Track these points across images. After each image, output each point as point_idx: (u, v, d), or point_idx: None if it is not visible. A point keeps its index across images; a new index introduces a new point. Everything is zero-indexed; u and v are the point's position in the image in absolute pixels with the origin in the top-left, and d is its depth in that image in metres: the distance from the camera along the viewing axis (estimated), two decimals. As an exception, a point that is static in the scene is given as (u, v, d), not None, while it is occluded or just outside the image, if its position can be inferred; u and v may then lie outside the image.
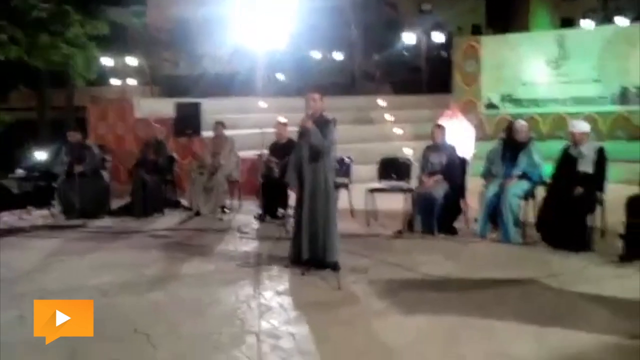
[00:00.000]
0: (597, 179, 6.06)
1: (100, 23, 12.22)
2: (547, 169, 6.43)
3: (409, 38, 23.53)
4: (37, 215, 8.30)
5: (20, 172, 8.70)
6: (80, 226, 7.65)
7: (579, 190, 5.92)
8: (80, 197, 8.00)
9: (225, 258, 6.03)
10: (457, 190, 6.86)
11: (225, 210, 8.34)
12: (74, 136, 8.51)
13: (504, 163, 6.54)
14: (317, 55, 27.23)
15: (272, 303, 4.62)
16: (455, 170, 6.89)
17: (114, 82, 27.27)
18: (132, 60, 25.66)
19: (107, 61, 21.58)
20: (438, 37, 23.25)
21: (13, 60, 10.56)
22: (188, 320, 4.31)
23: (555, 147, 6.80)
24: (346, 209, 7.55)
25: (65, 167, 8.23)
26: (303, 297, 4.77)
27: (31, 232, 7.43)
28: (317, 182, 5.36)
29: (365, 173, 8.56)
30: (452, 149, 7.06)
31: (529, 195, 6.45)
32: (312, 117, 5.41)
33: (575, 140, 6.27)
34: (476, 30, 32.32)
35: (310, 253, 5.39)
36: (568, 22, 29.37)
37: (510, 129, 6.76)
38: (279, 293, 4.86)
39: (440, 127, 7.25)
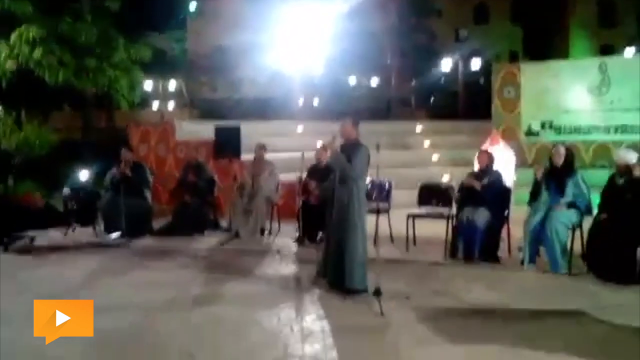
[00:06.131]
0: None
1: (143, 48, 12.55)
2: (595, 199, 6.30)
3: (445, 64, 23.50)
4: (82, 233, 8.47)
5: (65, 190, 8.88)
6: (123, 245, 7.78)
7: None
8: (124, 217, 8.12)
9: (265, 280, 6.06)
10: (500, 217, 6.76)
11: (265, 232, 8.39)
12: (126, 154, 8.67)
13: (549, 191, 6.42)
14: (352, 80, 27.39)
15: (315, 327, 4.61)
16: (498, 197, 6.80)
17: (153, 104, 27.84)
18: (171, 84, 26.20)
19: (147, 85, 22.08)
20: (475, 64, 23.17)
21: (61, 82, 10.89)
22: (231, 341, 4.33)
23: (598, 175, 6.66)
24: (386, 234, 7.52)
25: (112, 186, 8.37)
26: (345, 322, 4.74)
27: (76, 249, 7.58)
28: (342, 206, 5.40)
29: (402, 198, 8.49)
30: (498, 174, 6.98)
31: (576, 225, 6.28)
32: (341, 142, 5.52)
33: (621, 170, 6.14)
34: (513, 57, 32.19)
35: (331, 276, 5.47)
36: (608, 50, 29.00)
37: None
38: (321, 317, 4.84)
39: (485, 152, 7.21)
